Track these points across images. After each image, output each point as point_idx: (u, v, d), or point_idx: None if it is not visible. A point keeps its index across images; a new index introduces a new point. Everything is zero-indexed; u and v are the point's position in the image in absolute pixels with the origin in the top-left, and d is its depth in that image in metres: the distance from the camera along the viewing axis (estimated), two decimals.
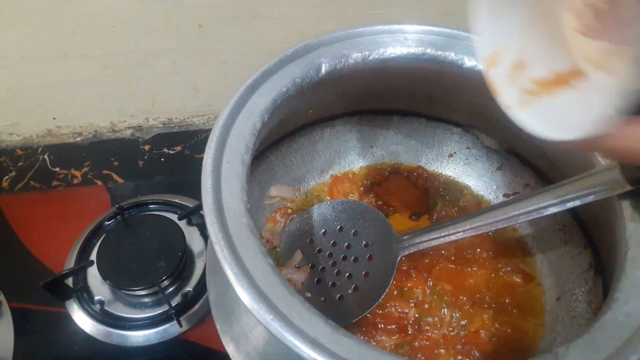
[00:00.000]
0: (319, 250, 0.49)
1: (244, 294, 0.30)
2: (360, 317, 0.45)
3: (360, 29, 0.45)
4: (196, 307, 0.57)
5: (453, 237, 0.44)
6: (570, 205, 0.39)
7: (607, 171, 0.38)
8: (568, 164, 0.46)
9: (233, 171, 0.36)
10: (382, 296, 0.45)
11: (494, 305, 0.48)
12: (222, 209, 0.34)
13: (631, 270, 0.34)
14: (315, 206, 0.52)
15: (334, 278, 0.47)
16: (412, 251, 0.47)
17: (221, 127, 0.38)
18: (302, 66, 0.43)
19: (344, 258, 0.48)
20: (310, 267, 0.49)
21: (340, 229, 0.50)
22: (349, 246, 0.49)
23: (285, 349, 0.29)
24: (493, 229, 0.43)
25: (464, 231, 0.44)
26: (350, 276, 0.47)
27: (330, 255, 0.49)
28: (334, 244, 0.49)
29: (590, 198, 0.38)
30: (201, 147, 0.76)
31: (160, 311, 0.57)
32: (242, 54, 0.70)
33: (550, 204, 0.40)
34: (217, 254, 0.31)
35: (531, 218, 0.41)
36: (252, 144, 0.38)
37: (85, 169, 0.72)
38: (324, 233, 0.50)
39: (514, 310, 0.48)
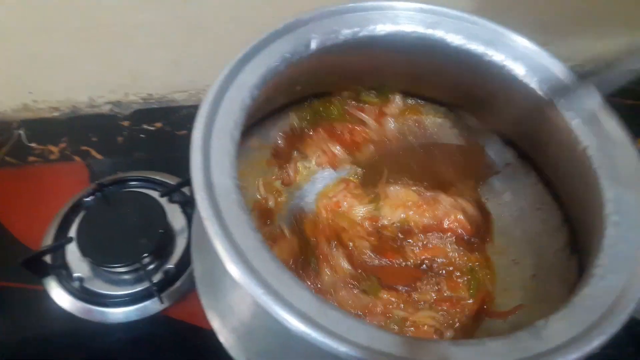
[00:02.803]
0: None
1: (234, 269, 0.30)
2: None
3: (350, 5, 0.45)
4: (177, 284, 0.57)
5: None
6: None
7: None
8: (549, 144, 0.47)
9: (222, 148, 0.36)
10: None
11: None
12: (212, 185, 0.34)
13: (609, 247, 0.35)
14: None
15: None
16: None
17: (210, 103, 0.37)
18: (291, 42, 0.42)
19: None
20: None
21: None
22: None
23: (272, 322, 0.30)
24: None
25: None
26: None
27: None
28: None
29: None
30: (182, 123, 0.75)
31: (141, 288, 0.56)
32: (227, 30, 0.69)
33: None
34: (207, 230, 0.31)
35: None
36: (242, 120, 0.38)
37: (62, 145, 0.70)
38: None
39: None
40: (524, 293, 0.49)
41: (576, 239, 0.46)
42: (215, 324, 0.40)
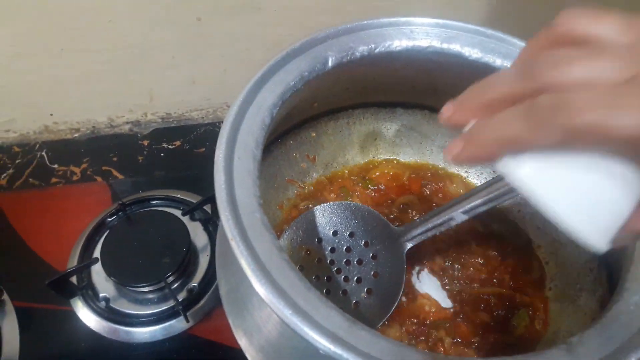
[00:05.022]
0: (319, 260, 0.48)
1: (261, 289, 0.30)
2: (384, 319, 0.45)
3: (366, 22, 0.45)
4: (202, 302, 0.57)
5: (453, 223, 0.44)
6: None
7: None
8: None
9: (244, 167, 0.36)
10: (400, 294, 0.45)
11: (499, 296, 0.49)
12: (236, 204, 0.34)
13: None
14: (300, 216, 0.50)
15: (343, 285, 0.47)
16: (416, 242, 0.47)
17: (231, 123, 0.38)
18: (309, 60, 0.43)
19: (348, 262, 0.48)
20: (315, 279, 0.47)
21: (335, 233, 0.49)
22: (348, 249, 0.48)
23: (301, 342, 0.30)
24: (491, 205, 0.43)
25: (464, 212, 0.43)
26: (359, 280, 0.46)
27: (332, 262, 0.48)
28: (333, 250, 0.48)
29: None
30: (200, 141, 0.76)
31: (166, 307, 0.56)
32: (241, 48, 0.69)
33: None
34: (233, 250, 0.32)
35: None
36: (262, 139, 0.38)
37: (84, 165, 0.72)
38: (318, 241, 0.49)
39: (520, 301, 0.49)
40: (553, 305, 0.48)
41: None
42: (243, 342, 0.40)
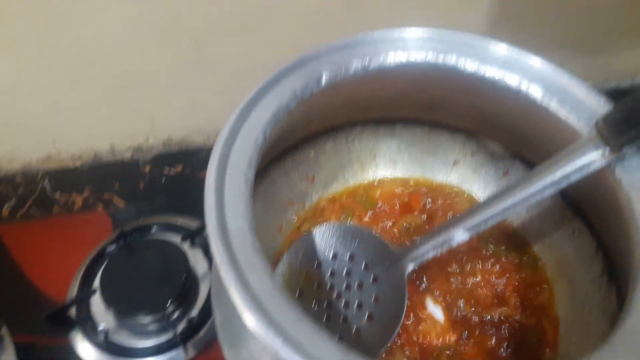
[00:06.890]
0: (319, 285, 0.46)
1: (250, 319, 0.29)
2: (385, 346, 0.43)
3: (360, 38, 0.44)
4: (202, 332, 0.56)
5: (454, 242, 0.42)
6: (562, 185, 0.38)
7: (590, 144, 0.37)
8: None
9: (236, 189, 0.35)
10: (402, 318, 0.43)
11: (506, 319, 0.47)
12: (227, 228, 0.33)
13: None
14: (299, 239, 0.49)
15: (344, 312, 0.44)
16: (418, 263, 0.45)
17: (223, 143, 0.37)
18: (302, 77, 0.42)
19: (348, 286, 0.45)
20: (315, 305, 0.45)
21: (334, 256, 0.47)
22: (348, 273, 0.46)
23: None
24: (493, 222, 0.41)
25: (466, 229, 0.42)
26: (360, 305, 0.44)
27: (332, 287, 0.46)
28: (332, 274, 0.46)
29: (581, 174, 0.38)
30: (202, 165, 0.75)
31: (166, 339, 0.55)
32: (240, 69, 0.69)
33: (543, 187, 0.39)
34: (222, 277, 0.30)
35: (527, 205, 0.40)
36: (255, 160, 0.37)
37: (85, 194, 0.71)
38: (318, 265, 0.47)
39: (528, 323, 0.47)
40: (562, 327, 0.46)
41: (612, 266, 0.43)
42: None
